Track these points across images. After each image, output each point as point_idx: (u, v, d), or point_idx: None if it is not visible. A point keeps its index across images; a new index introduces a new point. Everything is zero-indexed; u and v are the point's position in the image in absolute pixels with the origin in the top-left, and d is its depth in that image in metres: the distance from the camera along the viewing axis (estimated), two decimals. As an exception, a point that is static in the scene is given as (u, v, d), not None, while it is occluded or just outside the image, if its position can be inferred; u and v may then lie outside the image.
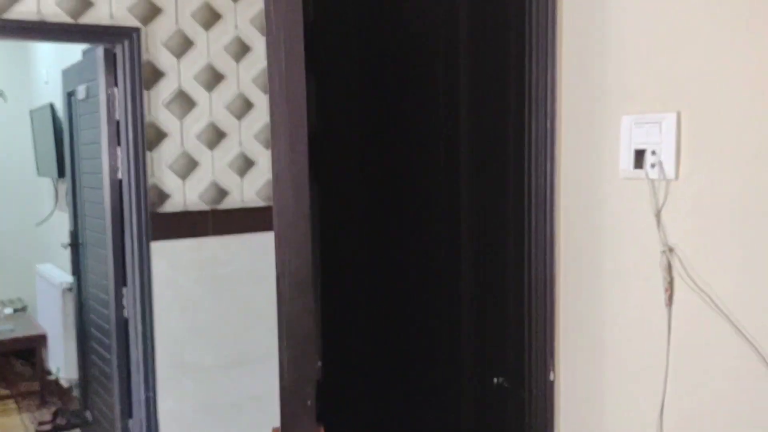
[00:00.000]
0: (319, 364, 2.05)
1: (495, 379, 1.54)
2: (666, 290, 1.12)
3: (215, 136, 3.33)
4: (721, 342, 1.06)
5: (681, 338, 1.11)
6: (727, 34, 1.03)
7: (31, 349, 4.54)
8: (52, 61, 4.29)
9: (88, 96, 3.43)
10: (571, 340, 1.29)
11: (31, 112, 4.68)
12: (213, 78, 3.29)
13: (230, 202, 3.40)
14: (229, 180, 3.38)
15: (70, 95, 3.69)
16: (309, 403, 1.05)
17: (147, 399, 3.36)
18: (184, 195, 3.31)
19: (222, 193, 3.38)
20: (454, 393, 1.75)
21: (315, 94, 1.82)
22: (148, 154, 3.18)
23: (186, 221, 3.32)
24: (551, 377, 1.31)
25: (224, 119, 3.32)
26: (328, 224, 1.89)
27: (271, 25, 0.94)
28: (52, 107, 4.19)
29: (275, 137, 0.96)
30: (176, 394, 3.37)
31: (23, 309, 4.94)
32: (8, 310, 4.81)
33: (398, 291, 1.92)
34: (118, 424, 3.46)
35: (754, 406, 1.02)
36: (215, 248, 3.39)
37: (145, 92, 3.13)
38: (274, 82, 0.96)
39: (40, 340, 4.49)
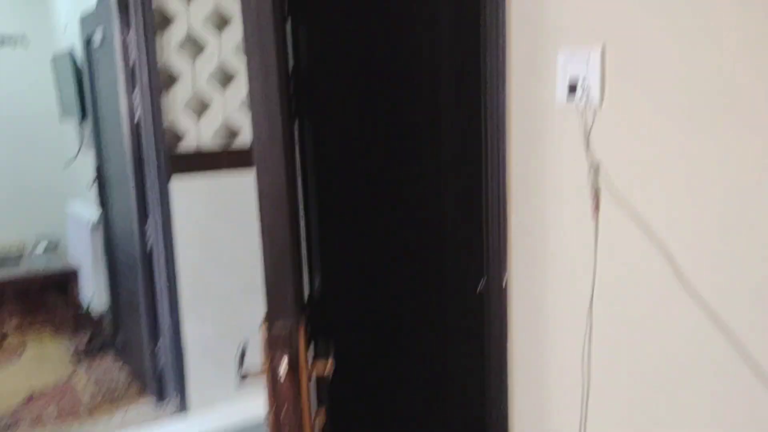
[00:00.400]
0: (317, 281, 2.28)
1: (479, 285, 1.74)
2: (592, 202, 1.31)
3: (225, 78, 3.52)
4: (634, 244, 1.25)
5: (605, 242, 1.31)
6: (642, -23, 1.18)
7: (64, 282, 4.86)
8: (71, 8, 4.46)
9: (104, 42, 3.61)
10: (521, 248, 1.49)
11: (53, 59, 4.88)
12: (221, 21, 3.45)
13: (241, 142, 3.61)
14: (239, 120, 3.58)
15: (87, 41, 3.87)
16: (288, 297, 1.27)
17: (172, 323, 3.65)
18: (198, 135, 3.52)
19: (233, 133, 3.58)
20: (443, 300, 1.97)
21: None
22: (162, 96, 3.37)
23: (201, 161, 3.54)
24: (505, 279, 1.51)
25: (233, 61, 3.50)
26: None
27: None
28: (71, 53, 4.38)
29: (250, 78, 1.16)
30: (198, 318, 3.66)
31: (55, 245, 5.25)
32: (42, 247, 5.13)
33: (388, 212, 2.12)
34: (147, 347, 3.77)
35: (658, 298, 1.22)
36: (229, 183, 3.62)
37: (156, 37, 3.30)
38: (248, 32, 1.14)
39: (73, 274, 4.81)
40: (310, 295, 2.25)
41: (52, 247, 5.22)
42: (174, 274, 3.60)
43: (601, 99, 1.28)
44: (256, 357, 1.40)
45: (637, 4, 1.20)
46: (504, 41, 1.43)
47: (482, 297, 1.69)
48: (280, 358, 1.27)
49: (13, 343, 4.65)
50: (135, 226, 3.70)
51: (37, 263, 4.80)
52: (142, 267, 3.70)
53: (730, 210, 1.08)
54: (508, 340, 1.51)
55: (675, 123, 1.16)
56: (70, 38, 4.49)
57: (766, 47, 1.00)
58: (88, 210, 4.72)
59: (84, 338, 4.55)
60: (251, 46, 1.13)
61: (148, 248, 3.66)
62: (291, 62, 2.17)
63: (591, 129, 1.31)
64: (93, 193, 4.30)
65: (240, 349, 1.45)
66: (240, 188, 3.65)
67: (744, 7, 1.02)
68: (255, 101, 1.15)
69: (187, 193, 3.56)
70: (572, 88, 1.31)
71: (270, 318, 1.27)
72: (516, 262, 1.51)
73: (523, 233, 1.49)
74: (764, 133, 1.02)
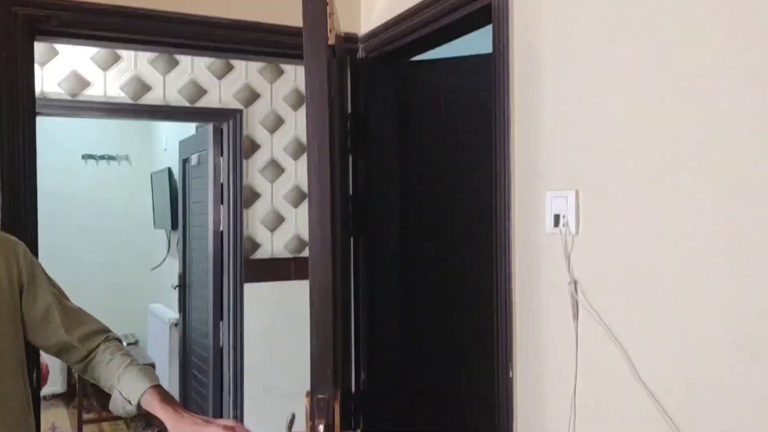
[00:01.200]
0: (363, 376, 2.68)
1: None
2: (573, 310, 1.69)
3: (299, 196, 4.11)
4: (605, 348, 1.62)
5: (583, 345, 1.69)
6: (607, 136, 1.62)
7: (141, 376, 5.38)
8: (170, 133, 5.25)
9: (199, 163, 4.29)
10: (523, 347, 1.88)
11: (152, 175, 5.66)
12: (299, 149, 4.08)
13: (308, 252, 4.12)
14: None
15: (185, 162, 4.58)
16: (328, 372, 1.68)
17: (235, 417, 4.06)
18: (272, 245, 4.07)
19: (303, 244, 4.12)
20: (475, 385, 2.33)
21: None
22: (244, 211, 3.97)
23: (273, 267, 4.07)
24: (510, 374, 1.89)
25: (306, 184, 4.08)
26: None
27: (308, 127, 1.61)
28: (169, 171, 5.12)
29: (310, 204, 1.64)
30: (260, 414, 4.06)
31: (135, 342, 5.83)
32: (124, 342, 5.71)
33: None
34: (211, 439, 4.17)
35: (618, 388, 1.57)
36: (296, 290, 4.11)
37: (244, 161, 3.94)
38: (310, 169, 1.64)
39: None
40: (357, 388, 2.65)
41: (134, 342, 5.79)
42: (242, 372, 4.06)
43: (577, 230, 1.69)
44: (302, 424, 1.79)
45: (599, 163, 1.63)
46: (510, 183, 1.88)
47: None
48: (319, 423, 1.67)
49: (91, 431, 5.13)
50: (210, 325, 4.21)
51: (119, 357, 5.34)
52: (213, 363, 4.17)
53: (671, 320, 1.46)
54: (514, 421, 1.87)
55: (630, 252, 1.56)
56: (169, 158, 5.25)
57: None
58: (168, 310, 5.29)
59: (155, 429, 4.99)
60: (312, 179, 1.63)
61: (220, 346, 4.14)
62: (351, 189, 2.69)
63: (570, 252, 1.71)
64: (174, 295, 4.87)
65: (289, 418, 1.86)
66: (306, 295, 4.11)
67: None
68: (312, 219, 1.63)
69: (259, 297, 4.07)
70: (557, 220, 1.73)
71: (313, 391, 1.68)
72: (520, 358, 1.89)
73: (525, 333, 1.88)
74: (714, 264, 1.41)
